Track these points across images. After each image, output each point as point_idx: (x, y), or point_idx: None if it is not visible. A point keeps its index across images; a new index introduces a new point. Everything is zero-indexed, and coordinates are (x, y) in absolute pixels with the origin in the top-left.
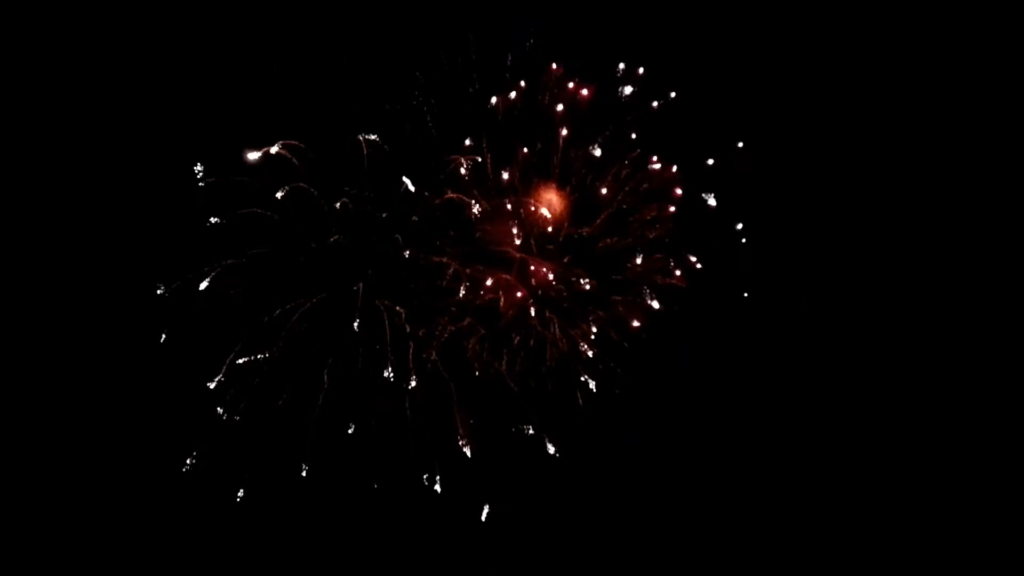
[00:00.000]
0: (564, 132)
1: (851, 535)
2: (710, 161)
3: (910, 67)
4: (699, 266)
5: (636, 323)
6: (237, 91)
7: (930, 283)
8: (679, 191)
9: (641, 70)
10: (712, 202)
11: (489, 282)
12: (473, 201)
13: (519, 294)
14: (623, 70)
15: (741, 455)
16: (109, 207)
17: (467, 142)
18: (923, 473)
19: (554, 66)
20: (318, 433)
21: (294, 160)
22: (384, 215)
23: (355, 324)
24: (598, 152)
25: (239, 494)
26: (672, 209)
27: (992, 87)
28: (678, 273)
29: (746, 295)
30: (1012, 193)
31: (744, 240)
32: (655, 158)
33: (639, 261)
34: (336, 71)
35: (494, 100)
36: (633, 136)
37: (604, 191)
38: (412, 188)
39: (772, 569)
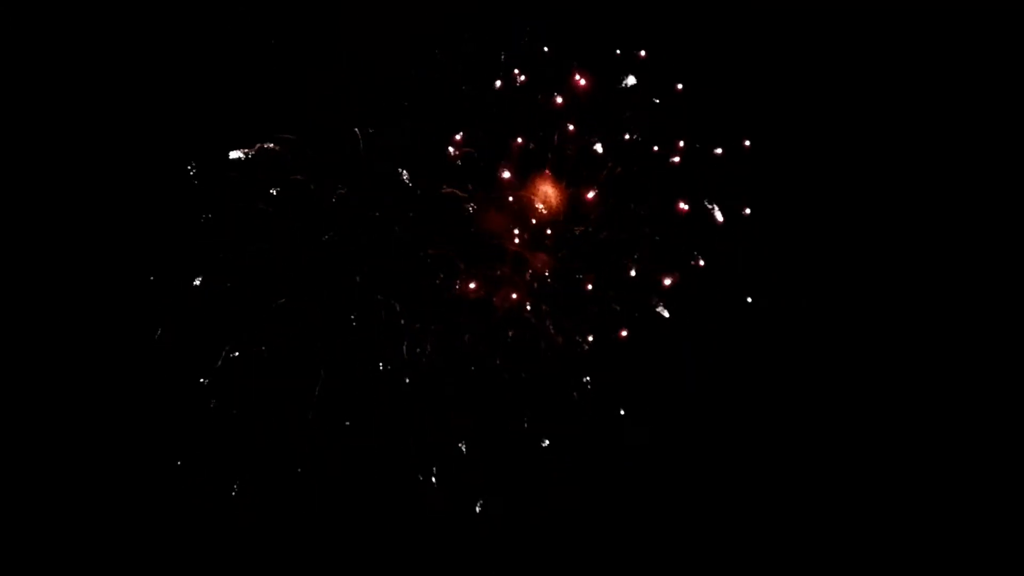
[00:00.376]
0: (562, 123)
1: (853, 537)
2: (718, 150)
3: (916, 68)
4: (701, 263)
5: (634, 319)
6: (233, 88)
7: (932, 283)
8: (684, 205)
9: (643, 53)
10: (719, 215)
11: (484, 276)
12: (468, 194)
13: (514, 288)
14: (623, 55)
15: (742, 455)
16: (102, 202)
17: (458, 136)
18: (926, 475)
19: (545, 49)
20: (313, 429)
21: (289, 155)
22: (378, 212)
23: (351, 318)
24: (600, 148)
25: (233, 489)
26: (683, 207)
27: (995, 87)
28: (670, 278)
29: (750, 299)
30: (1013, 193)
31: (746, 238)
32: (656, 148)
33: (637, 257)
34: (333, 68)
35: (497, 84)
36: (634, 129)
37: (602, 184)
38: (408, 181)
39: (773, 569)
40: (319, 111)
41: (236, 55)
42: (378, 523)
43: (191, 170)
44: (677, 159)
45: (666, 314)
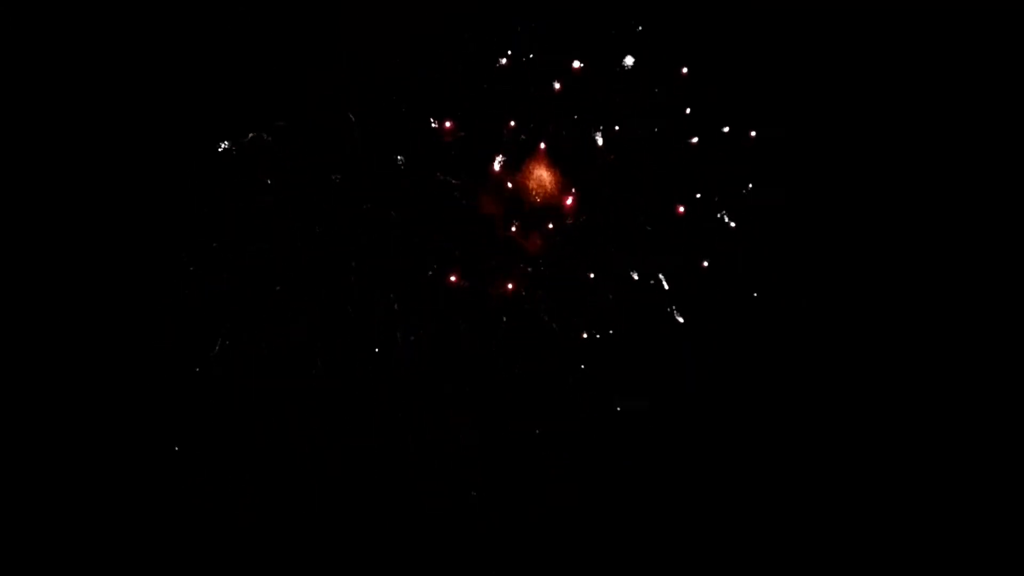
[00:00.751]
0: (558, 108)
1: (854, 538)
2: (725, 128)
3: (920, 68)
4: (705, 264)
5: (630, 313)
6: (231, 86)
7: (934, 283)
8: (681, 208)
9: (640, 28)
10: (720, 210)
11: (477, 264)
12: (461, 181)
13: (509, 277)
14: (623, 35)
15: (742, 455)
16: (100, 196)
17: (448, 124)
18: (928, 476)
19: (533, 25)
20: (308, 424)
21: (282, 145)
22: (372, 202)
23: (348, 309)
24: (598, 136)
25: (227, 484)
26: (681, 210)
27: (1000, 87)
28: (668, 272)
29: (755, 295)
30: (1014, 193)
31: (745, 236)
32: (656, 129)
33: (633, 248)
34: (333, 66)
35: (503, 61)
36: (632, 115)
37: (598, 171)
38: (402, 165)
39: (773, 570)
40: (315, 107)
41: (233, 52)
42: (374, 521)
43: (184, 162)
44: (680, 147)
45: (680, 319)
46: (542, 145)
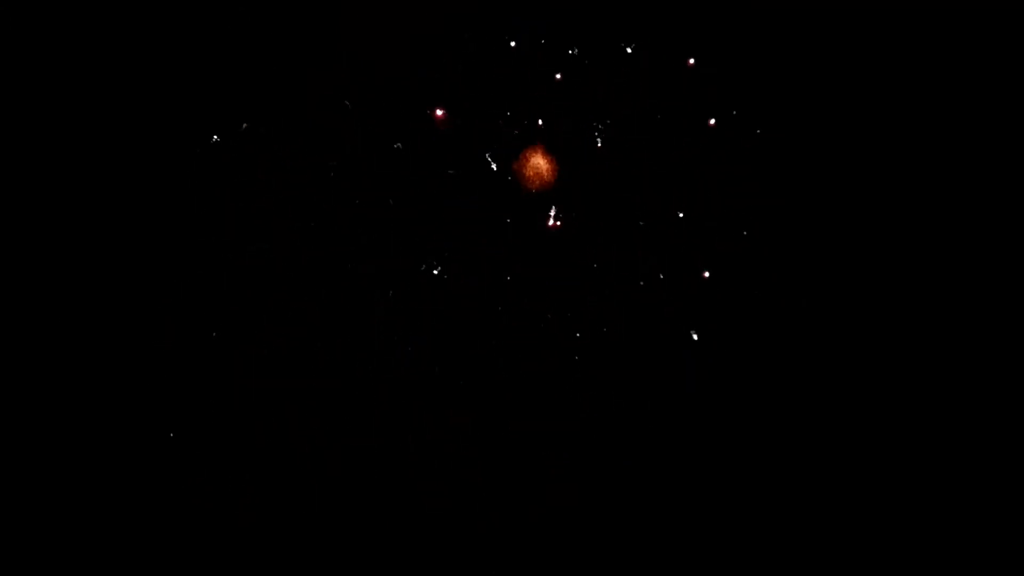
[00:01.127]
0: (557, 98)
1: (855, 540)
2: (734, 111)
3: (922, 69)
4: (706, 274)
5: (631, 313)
6: (229, 84)
7: (936, 284)
8: (680, 214)
9: (640, 15)
10: (731, 220)
11: (475, 260)
12: (456, 173)
13: (507, 271)
14: (627, 26)
15: (744, 455)
16: (97, 190)
17: (440, 113)
18: (931, 478)
19: (533, 24)
20: (306, 425)
21: (281, 144)
22: (358, 201)
23: (346, 307)
24: (599, 132)
25: (225, 484)
26: (681, 216)
27: (1006, 89)
28: (662, 269)
29: (756, 294)
30: (1014, 194)
31: (746, 236)
32: (659, 116)
33: (634, 248)
34: (333, 65)
35: (512, 44)
36: (634, 108)
37: (597, 165)
38: (401, 153)
39: (773, 570)
40: (315, 106)
41: (232, 50)
42: (374, 521)
43: (181, 158)
44: (683, 142)
45: (695, 336)
46: (539, 122)
